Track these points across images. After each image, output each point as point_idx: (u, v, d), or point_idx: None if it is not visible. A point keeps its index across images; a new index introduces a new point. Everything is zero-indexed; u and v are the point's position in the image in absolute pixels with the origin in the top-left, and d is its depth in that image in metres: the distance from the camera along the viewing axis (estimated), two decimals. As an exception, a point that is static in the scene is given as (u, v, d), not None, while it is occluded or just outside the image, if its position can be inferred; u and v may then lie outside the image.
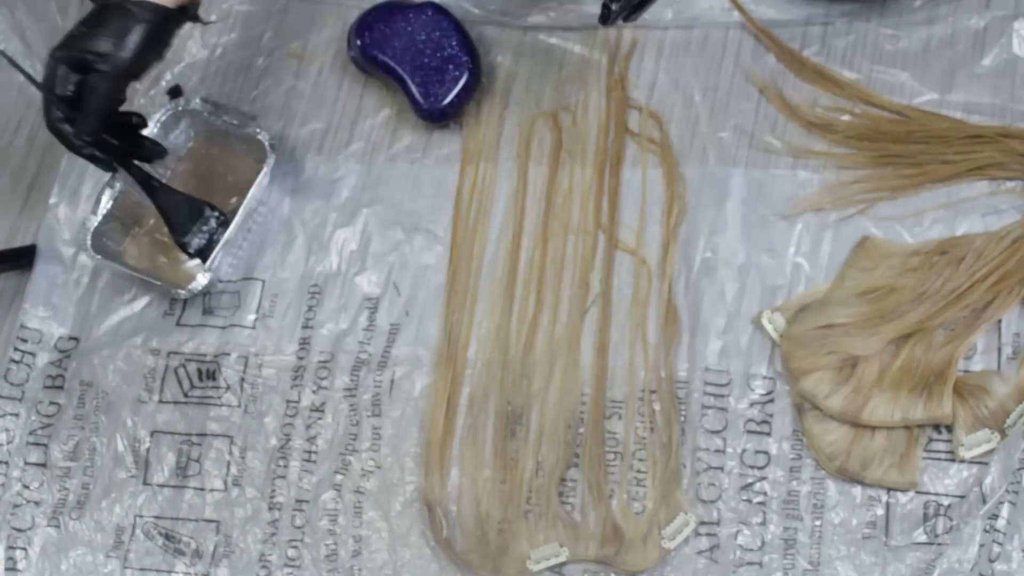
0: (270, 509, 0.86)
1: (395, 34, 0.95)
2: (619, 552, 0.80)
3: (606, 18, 0.84)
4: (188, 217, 0.91)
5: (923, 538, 0.78)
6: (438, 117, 0.94)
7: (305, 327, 0.90)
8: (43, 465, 0.89)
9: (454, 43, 0.94)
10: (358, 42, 0.95)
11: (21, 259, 0.96)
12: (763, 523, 0.80)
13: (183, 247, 0.91)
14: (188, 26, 1.02)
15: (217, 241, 0.90)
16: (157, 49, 0.82)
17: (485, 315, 0.89)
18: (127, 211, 0.94)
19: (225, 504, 0.86)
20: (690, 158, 0.91)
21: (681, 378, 0.84)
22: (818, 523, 0.79)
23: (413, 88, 0.93)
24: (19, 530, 0.88)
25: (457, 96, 0.93)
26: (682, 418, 0.83)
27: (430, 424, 0.85)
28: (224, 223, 0.91)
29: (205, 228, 0.91)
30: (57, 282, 0.95)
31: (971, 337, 0.81)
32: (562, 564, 0.81)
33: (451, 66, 0.93)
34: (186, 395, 0.90)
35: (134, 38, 0.80)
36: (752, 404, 0.83)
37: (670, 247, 0.88)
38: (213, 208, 0.91)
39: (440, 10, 0.95)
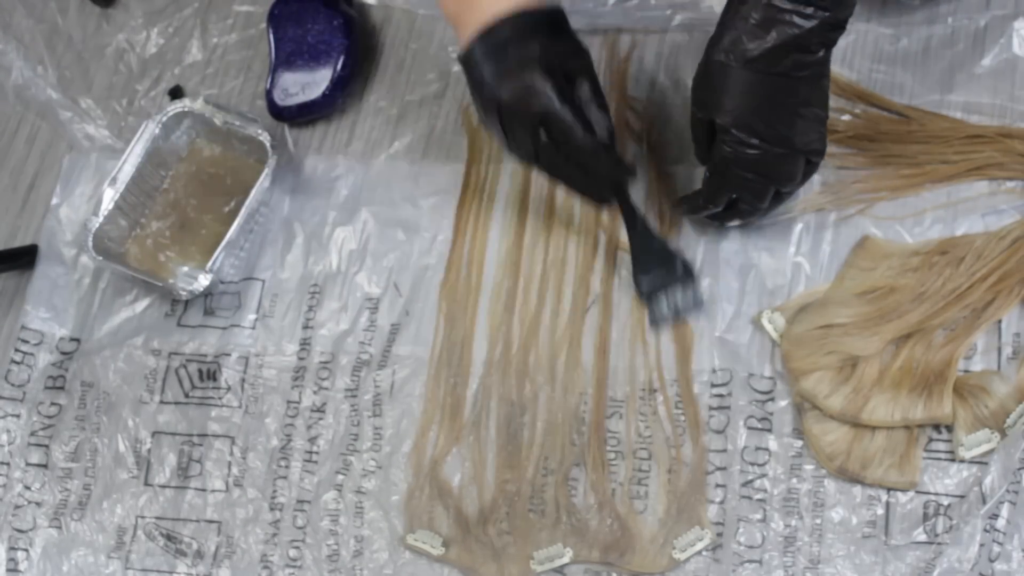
0: (271, 509, 0.86)
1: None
2: (624, 554, 0.80)
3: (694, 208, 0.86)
4: (655, 260, 0.86)
5: (923, 537, 0.78)
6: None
7: (305, 327, 0.90)
8: (44, 466, 0.90)
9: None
10: None
11: (22, 259, 0.96)
12: (763, 520, 0.80)
13: (637, 284, 0.86)
14: (189, 25, 1.02)
15: (678, 293, 0.86)
16: None
17: (487, 314, 0.89)
18: (128, 212, 0.93)
19: (226, 505, 0.86)
20: (690, 158, 0.91)
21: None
22: (818, 521, 0.79)
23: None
24: (20, 531, 0.88)
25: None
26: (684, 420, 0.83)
27: (420, 426, 0.86)
28: (688, 275, 0.86)
29: (667, 273, 0.86)
30: (58, 283, 0.95)
31: (971, 337, 0.81)
32: (565, 565, 0.81)
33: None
34: (187, 396, 0.90)
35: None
36: (752, 403, 0.83)
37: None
38: (686, 264, 0.86)
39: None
